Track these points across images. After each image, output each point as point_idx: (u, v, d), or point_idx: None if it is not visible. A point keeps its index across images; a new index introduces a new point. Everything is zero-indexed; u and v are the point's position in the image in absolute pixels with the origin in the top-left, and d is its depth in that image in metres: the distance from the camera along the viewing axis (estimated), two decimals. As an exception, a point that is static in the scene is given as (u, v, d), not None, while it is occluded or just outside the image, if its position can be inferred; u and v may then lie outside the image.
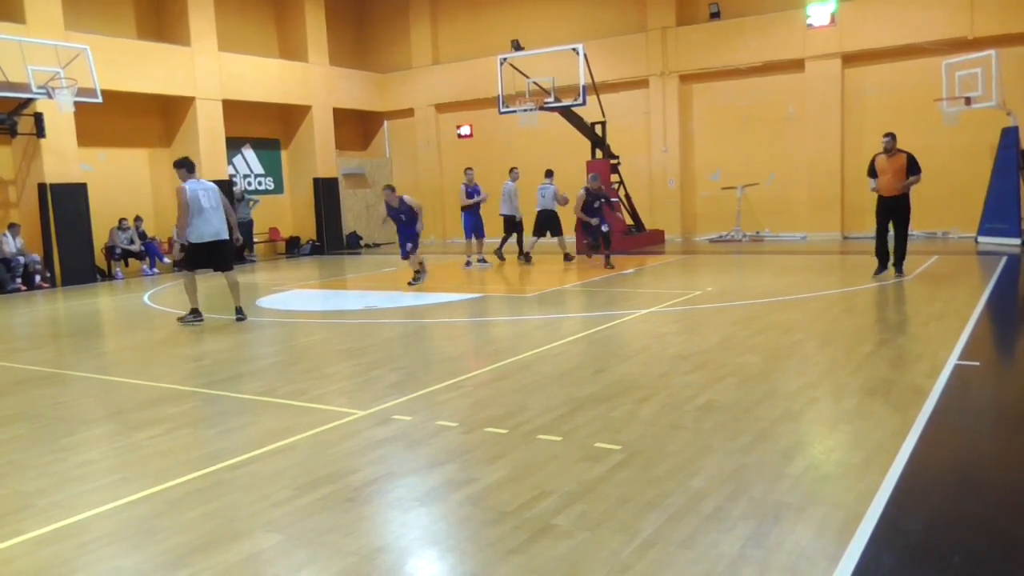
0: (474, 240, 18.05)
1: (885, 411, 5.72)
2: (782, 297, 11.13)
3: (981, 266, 14.00)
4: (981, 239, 17.79)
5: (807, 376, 6.90)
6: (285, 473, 5.04)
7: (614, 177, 20.89)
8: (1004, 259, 14.41)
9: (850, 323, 9.24)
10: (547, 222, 18.06)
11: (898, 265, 12.60)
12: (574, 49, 19.25)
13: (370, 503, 4.52)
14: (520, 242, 18.60)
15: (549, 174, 18.61)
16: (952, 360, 7.11)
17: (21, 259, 17.70)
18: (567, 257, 18.13)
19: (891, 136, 12.40)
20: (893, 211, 12.35)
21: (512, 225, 18.53)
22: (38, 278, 17.99)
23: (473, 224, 18.04)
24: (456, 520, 4.22)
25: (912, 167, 12.13)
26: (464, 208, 18.23)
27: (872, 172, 12.50)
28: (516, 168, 19.13)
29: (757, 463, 4.81)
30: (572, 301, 12.40)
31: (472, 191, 18.12)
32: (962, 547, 3.72)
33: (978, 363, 7.23)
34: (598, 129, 20.89)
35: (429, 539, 4.06)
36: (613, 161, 20.92)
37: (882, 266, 12.64)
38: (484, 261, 18.06)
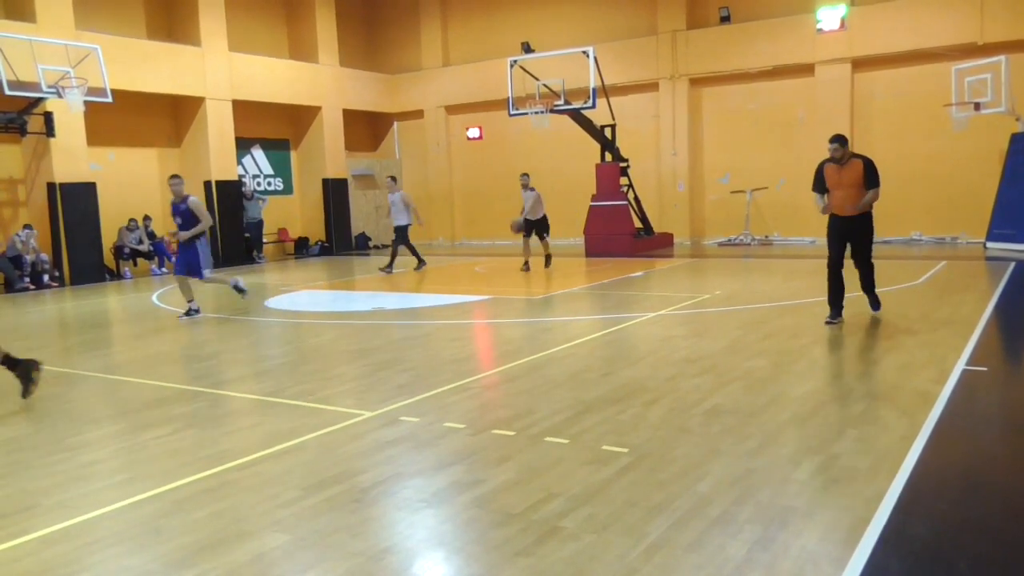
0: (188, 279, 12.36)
1: (892, 416, 5.70)
2: (790, 301, 11.11)
3: (989, 272, 13.95)
4: (989, 244, 17.73)
5: (814, 381, 6.89)
6: (292, 473, 5.05)
7: (623, 180, 20.89)
8: (1012, 265, 14.36)
9: (858, 328, 9.22)
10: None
11: (871, 297, 9.91)
12: (584, 52, 19.27)
13: (377, 504, 4.53)
14: (412, 251, 18.15)
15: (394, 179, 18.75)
16: (960, 365, 7.08)
17: (27, 258, 17.76)
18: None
19: (840, 139, 9.27)
20: (852, 234, 9.46)
21: (403, 235, 17.93)
22: (46, 277, 18.06)
23: (186, 259, 12.07)
24: (463, 522, 4.23)
25: (871, 177, 9.18)
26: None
27: (820, 186, 9.50)
28: (394, 177, 19.00)
29: (764, 467, 4.80)
30: (581, 304, 12.40)
31: (179, 210, 11.94)
32: (968, 552, 3.71)
33: (985, 368, 7.21)
34: (608, 132, 20.90)
35: (436, 540, 4.06)
36: (622, 164, 20.93)
37: (836, 311, 9.54)
38: (195, 311, 12.17)
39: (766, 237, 21.97)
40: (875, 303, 9.95)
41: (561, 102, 19.78)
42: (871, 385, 6.62)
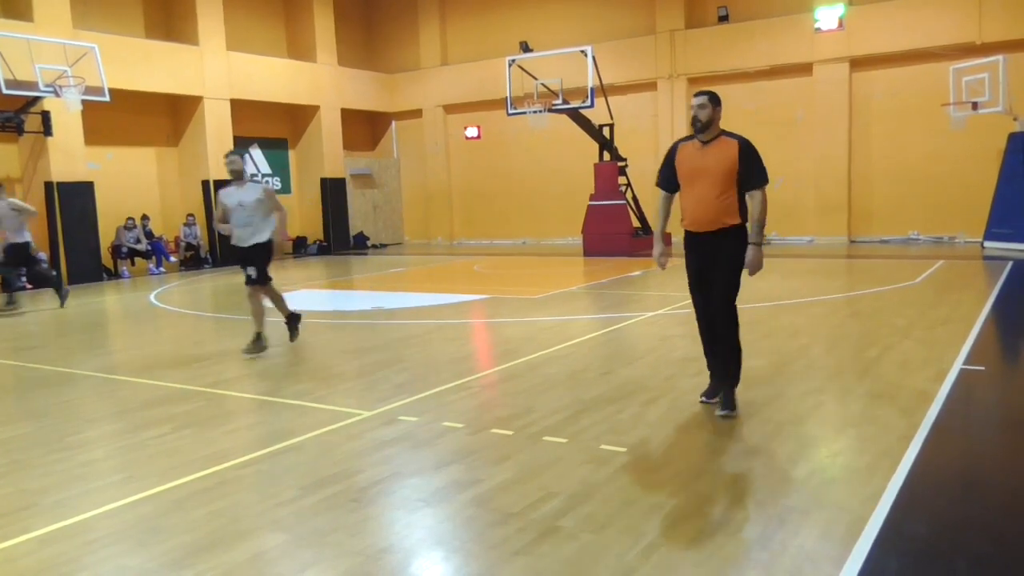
0: None
1: (891, 415, 5.70)
2: (788, 301, 11.11)
3: (987, 271, 13.96)
4: (987, 244, 17.74)
5: (813, 380, 6.89)
6: (291, 473, 5.05)
7: (621, 180, 20.89)
8: (1010, 264, 14.37)
9: (856, 327, 9.22)
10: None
11: (724, 380, 6.02)
12: (583, 51, 19.27)
13: (375, 503, 4.52)
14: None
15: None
16: (958, 364, 7.09)
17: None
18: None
19: (710, 95, 6.00)
20: (711, 264, 5.92)
21: (21, 257, 13.88)
22: (45, 276, 18.02)
23: None
24: (461, 521, 4.23)
25: (750, 168, 5.77)
26: None
27: (666, 180, 6.18)
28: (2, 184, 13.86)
29: (762, 466, 4.80)
30: (579, 303, 12.39)
31: None
32: (967, 551, 3.71)
33: (983, 368, 7.21)
34: (606, 132, 20.89)
35: (434, 540, 4.06)
36: (621, 164, 20.93)
37: (716, 382, 6.17)
38: None
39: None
40: (729, 398, 5.91)
41: (559, 101, 19.78)
42: (869, 384, 6.62)
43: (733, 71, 22.09)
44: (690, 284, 6.15)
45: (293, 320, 9.62)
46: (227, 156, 9.22)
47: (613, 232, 19.90)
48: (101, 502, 4.68)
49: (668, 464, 4.91)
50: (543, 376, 7.40)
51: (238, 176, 9.12)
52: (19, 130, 17.81)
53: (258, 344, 9.05)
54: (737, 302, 5.98)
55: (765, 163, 5.76)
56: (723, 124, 6.08)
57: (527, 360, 8.11)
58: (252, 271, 9.05)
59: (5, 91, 16.38)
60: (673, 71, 22.91)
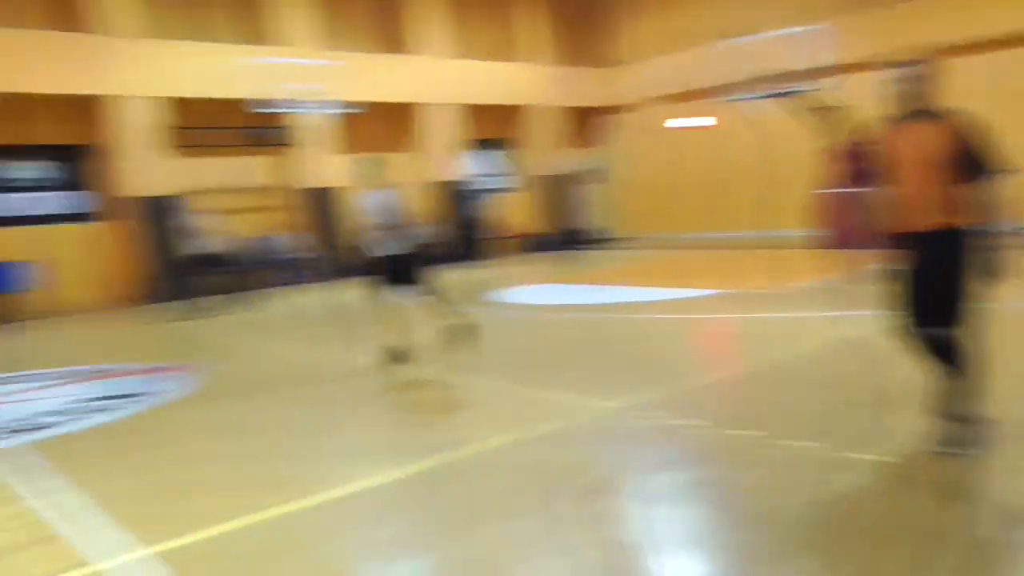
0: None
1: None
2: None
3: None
4: None
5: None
6: (532, 461, 5.12)
7: (863, 166, 19.68)
8: None
9: None
10: None
11: (942, 413, 4.76)
12: (814, 30, 18.32)
13: (615, 496, 4.53)
14: None
15: None
16: None
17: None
18: None
19: (918, 67, 4.71)
20: (925, 275, 4.63)
21: None
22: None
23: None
24: (704, 520, 4.16)
25: (978, 151, 4.49)
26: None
27: (859, 169, 4.96)
28: None
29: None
30: (828, 300, 11.73)
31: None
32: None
33: None
34: (840, 114, 19.74)
35: (676, 536, 4.02)
36: (863, 149, 19.72)
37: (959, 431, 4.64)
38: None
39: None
40: (951, 433, 4.64)
41: (786, 86, 18.90)
42: None
43: (980, 39, 20.13)
44: (895, 297, 4.84)
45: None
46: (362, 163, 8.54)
47: (860, 223, 18.73)
48: (349, 479, 4.99)
49: (933, 479, 4.45)
50: (793, 376, 7.03)
51: (375, 182, 8.45)
52: (274, 143, 19.79)
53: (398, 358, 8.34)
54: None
55: (1007, 146, 4.56)
56: (962, 101, 5.07)
57: (785, 359, 7.70)
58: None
59: (266, 110, 18.31)
60: (911, 44, 21.24)
